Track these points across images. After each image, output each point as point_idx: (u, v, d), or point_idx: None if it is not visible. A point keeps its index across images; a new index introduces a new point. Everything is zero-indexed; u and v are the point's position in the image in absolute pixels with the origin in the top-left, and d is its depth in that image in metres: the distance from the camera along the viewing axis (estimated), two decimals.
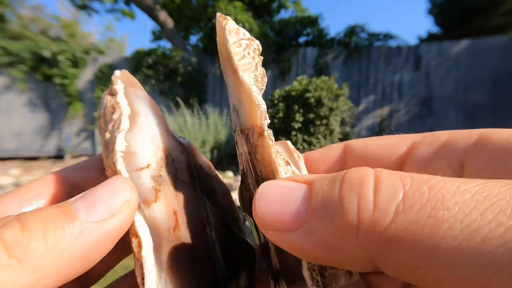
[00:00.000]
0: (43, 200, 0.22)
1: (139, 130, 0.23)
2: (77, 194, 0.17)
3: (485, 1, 6.68)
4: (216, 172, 0.27)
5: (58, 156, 5.95)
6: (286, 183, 0.16)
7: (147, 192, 0.21)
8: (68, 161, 5.70)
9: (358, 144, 0.24)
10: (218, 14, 0.21)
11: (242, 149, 0.22)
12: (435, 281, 0.12)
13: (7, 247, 0.13)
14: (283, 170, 0.19)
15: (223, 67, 0.23)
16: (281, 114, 3.93)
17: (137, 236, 0.19)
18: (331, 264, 0.15)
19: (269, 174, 0.19)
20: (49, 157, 5.96)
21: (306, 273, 0.17)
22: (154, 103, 0.26)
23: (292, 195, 0.15)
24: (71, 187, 0.23)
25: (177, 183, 0.23)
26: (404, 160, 0.22)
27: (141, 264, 0.18)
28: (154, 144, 0.23)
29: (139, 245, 0.19)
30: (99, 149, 5.94)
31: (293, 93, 3.94)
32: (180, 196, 0.23)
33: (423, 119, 5.88)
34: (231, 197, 0.27)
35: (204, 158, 0.27)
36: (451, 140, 0.20)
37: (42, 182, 0.23)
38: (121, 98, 0.24)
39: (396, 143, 0.22)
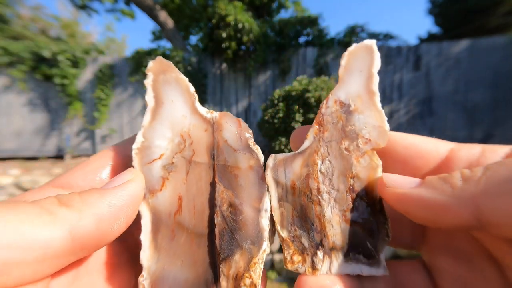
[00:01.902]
0: (103, 172, 0.25)
1: (160, 121, 0.26)
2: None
3: (485, 1, 6.68)
4: (251, 142, 0.27)
5: (58, 156, 5.95)
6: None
7: (155, 183, 0.24)
8: (68, 161, 5.70)
9: (397, 136, 0.27)
10: None
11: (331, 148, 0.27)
12: None
13: (61, 201, 0.19)
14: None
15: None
16: (281, 114, 3.93)
17: (140, 222, 0.23)
18: (438, 214, 0.21)
19: (372, 174, 0.27)
20: (49, 157, 5.96)
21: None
22: (184, 83, 0.27)
23: (408, 177, 0.24)
24: (128, 158, 0.26)
25: (191, 167, 0.26)
26: (447, 162, 0.26)
27: (140, 245, 0.23)
28: (174, 130, 0.26)
29: (140, 229, 0.23)
30: (99, 149, 5.94)
31: (293, 93, 3.94)
32: (191, 181, 0.25)
33: (423, 119, 5.88)
34: (261, 168, 0.27)
35: (234, 130, 0.27)
36: (486, 149, 0.25)
37: (101, 156, 0.26)
38: (148, 92, 0.26)
39: (434, 146, 0.26)
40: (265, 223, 0.25)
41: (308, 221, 0.26)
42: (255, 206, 0.26)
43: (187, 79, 0.27)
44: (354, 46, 0.28)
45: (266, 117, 4.07)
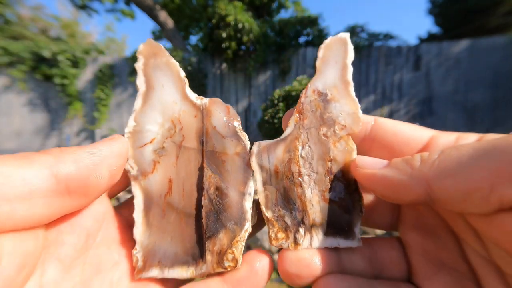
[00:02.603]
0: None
1: (151, 105, 0.27)
2: None
3: (485, 1, 6.67)
4: (238, 129, 0.29)
5: None
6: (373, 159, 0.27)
7: (146, 166, 0.26)
8: None
9: (388, 123, 0.29)
10: None
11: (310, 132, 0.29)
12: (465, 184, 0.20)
13: (39, 151, 0.20)
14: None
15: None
16: (281, 114, 3.93)
17: (133, 201, 0.26)
18: (397, 191, 0.23)
19: (348, 158, 0.29)
20: None
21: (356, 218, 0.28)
22: (175, 68, 0.28)
23: (377, 159, 0.26)
24: None
25: (181, 152, 0.27)
26: (426, 148, 0.28)
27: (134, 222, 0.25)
28: (164, 116, 0.27)
29: (133, 207, 0.25)
30: None
31: (293, 93, 3.94)
32: (181, 164, 0.27)
33: (423, 119, 5.88)
34: (246, 155, 0.28)
35: (223, 117, 0.29)
36: (460, 136, 0.27)
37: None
38: (139, 75, 0.27)
39: (420, 133, 0.28)
40: (248, 205, 0.27)
41: (291, 202, 0.28)
42: (240, 190, 0.27)
43: (177, 64, 0.28)
44: (329, 39, 0.29)
45: (266, 117, 4.07)
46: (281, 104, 3.99)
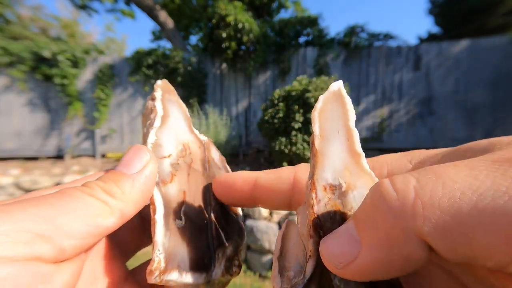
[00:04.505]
0: None
1: (168, 128, 0.30)
2: None
3: (485, 1, 6.67)
4: (226, 165, 0.35)
5: (58, 156, 5.95)
6: (335, 234, 0.19)
7: (165, 175, 0.28)
8: (68, 161, 5.70)
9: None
10: None
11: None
12: (469, 242, 0.13)
13: (105, 190, 0.23)
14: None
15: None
16: (281, 114, 3.93)
17: (153, 204, 0.26)
18: (400, 268, 0.17)
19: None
20: (49, 157, 5.96)
21: None
22: (183, 107, 0.33)
23: (343, 233, 0.18)
24: None
25: (191, 171, 0.30)
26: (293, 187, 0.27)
27: (154, 224, 0.25)
28: (177, 139, 0.31)
29: (154, 211, 0.26)
30: (99, 149, 5.95)
31: (293, 93, 3.94)
32: (192, 181, 0.30)
33: (423, 119, 5.88)
34: None
35: (217, 154, 0.35)
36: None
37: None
38: (158, 102, 0.31)
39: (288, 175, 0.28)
40: (242, 223, 0.33)
41: None
42: (234, 211, 0.33)
43: (185, 105, 0.34)
44: (320, 100, 0.23)
45: (266, 117, 4.07)
46: (281, 104, 3.98)
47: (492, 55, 5.49)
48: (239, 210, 0.33)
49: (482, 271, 0.17)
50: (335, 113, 0.23)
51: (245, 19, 5.52)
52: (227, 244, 0.29)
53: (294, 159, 3.95)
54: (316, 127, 0.23)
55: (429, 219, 0.14)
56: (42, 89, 5.84)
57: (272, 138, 4.12)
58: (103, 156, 6.05)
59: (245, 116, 6.11)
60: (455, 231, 0.14)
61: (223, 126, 4.69)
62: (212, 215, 0.30)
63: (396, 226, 0.15)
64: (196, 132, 0.33)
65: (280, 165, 4.08)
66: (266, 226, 3.01)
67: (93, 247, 0.24)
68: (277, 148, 3.93)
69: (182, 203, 0.28)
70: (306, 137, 3.84)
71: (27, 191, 3.91)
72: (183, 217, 0.27)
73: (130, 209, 0.24)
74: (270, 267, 3.02)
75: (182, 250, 0.26)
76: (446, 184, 0.14)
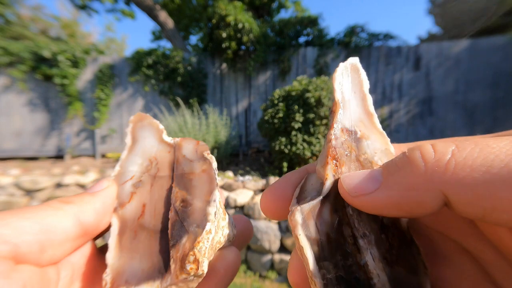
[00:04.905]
0: None
1: (133, 153, 0.32)
2: None
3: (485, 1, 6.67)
4: (205, 153, 0.32)
5: (58, 156, 5.95)
6: (358, 172, 0.22)
7: (125, 197, 0.29)
8: (68, 161, 5.70)
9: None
10: None
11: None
12: (492, 199, 0.15)
13: (63, 201, 0.26)
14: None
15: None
16: (281, 114, 3.93)
17: (109, 230, 0.27)
18: (409, 210, 0.19)
19: None
20: (49, 157, 5.96)
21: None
22: (155, 124, 0.34)
23: (367, 172, 0.21)
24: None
25: (155, 181, 0.31)
26: None
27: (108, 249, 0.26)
28: (143, 157, 0.32)
29: (109, 236, 0.27)
30: (99, 149, 5.94)
31: (293, 93, 3.94)
32: (154, 191, 0.30)
33: (423, 119, 5.88)
34: (212, 171, 0.30)
35: (190, 147, 0.33)
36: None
37: None
38: (128, 135, 0.33)
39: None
40: (211, 210, 0.27)
41: (354, 278, 0.22)
42: (205, 199, 0.28)
43: (157, 121, 0.35)
44: (341, 65, 0.28)
45: (266, 117, 4.07)
46: (281, 104, 3.98)
47: (492, 55, 5.48)
48: (214, 196, 0.28)
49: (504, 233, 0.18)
50: (352, 79, 0.27)
51: (245, 19, 5.52)
52: (184, 240, 0.26)
53: (294, 159, 3.95)
54: (336, 84, 0.27)
55: (457, 174, 0.16)
56: (42, 89, 5.84)
57: (272, 138, 4.12)
58: (103, 156, 6.05)
59: (245, 116, 6.11)
60: (480, 186, 0.15)
61: (223, 126, 4.69)
62: (172, 213, 0.28)
63: (422, 176, 0.17)
64: (168, 138, 0.34)
65: (280, 165, 4.08)
66: (266, 226, 3.01)
67: (70, 254, 0.26)
68: (277, 148, 3.92)
69: (140, 216, 0.28)
70: (306, 137, 3.84)
71: (27, 191, 3.91)
72: (138, 230, 0.27)
73: (89, 215, 0.25)
74: (270, 267, 3.02)
75: (134, 264, 0.26)
76: (484, 149, 0.16)
